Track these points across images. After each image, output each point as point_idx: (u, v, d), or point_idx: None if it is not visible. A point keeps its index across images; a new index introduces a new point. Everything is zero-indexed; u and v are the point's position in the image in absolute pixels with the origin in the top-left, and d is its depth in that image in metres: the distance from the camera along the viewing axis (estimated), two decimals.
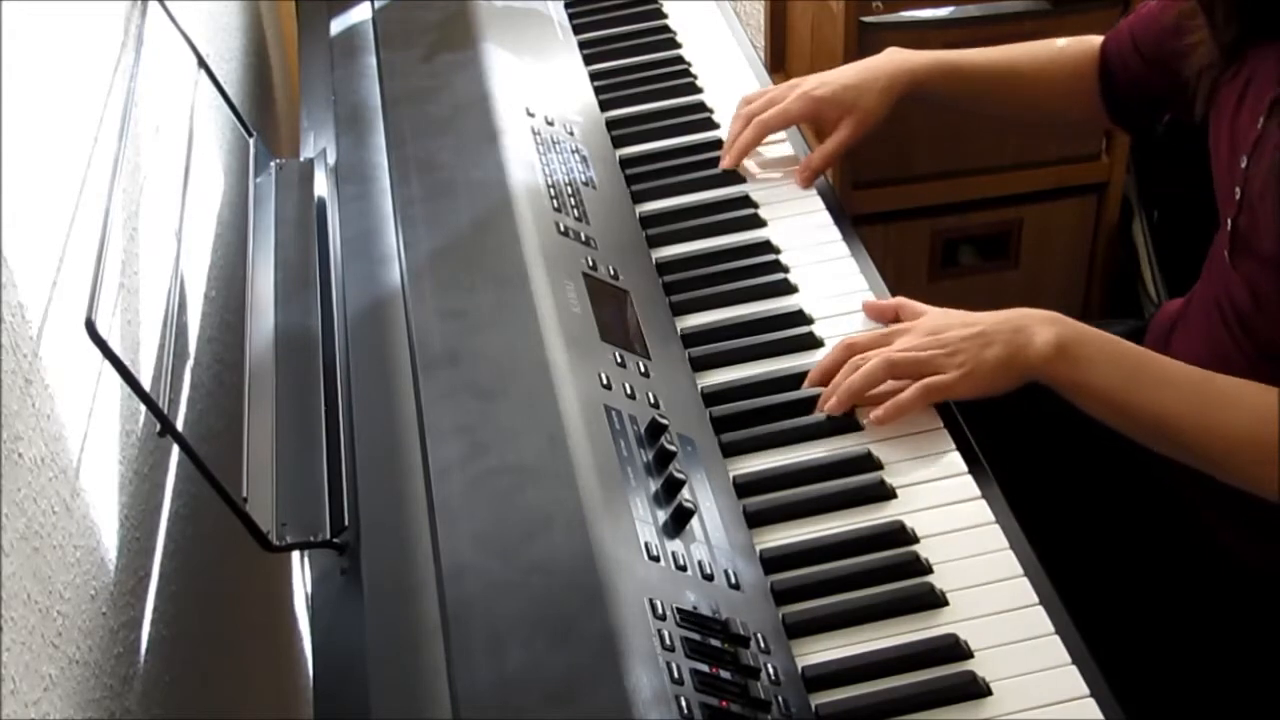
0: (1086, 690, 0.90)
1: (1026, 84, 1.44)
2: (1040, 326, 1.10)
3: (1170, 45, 1.26)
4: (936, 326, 1.13)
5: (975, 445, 1.09)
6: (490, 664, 0.83)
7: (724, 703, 0.85)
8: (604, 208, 1.32)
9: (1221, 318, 1.21)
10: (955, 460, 1.07)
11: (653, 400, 1.08)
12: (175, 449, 1.17)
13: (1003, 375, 1.10)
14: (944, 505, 1.04)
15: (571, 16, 1.68)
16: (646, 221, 1.35)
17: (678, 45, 1.64)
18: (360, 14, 1.60)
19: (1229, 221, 1.18)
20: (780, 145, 1.45)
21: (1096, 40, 1.41)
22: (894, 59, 1.41)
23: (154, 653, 1.03)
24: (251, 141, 1.39)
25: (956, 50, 1.43)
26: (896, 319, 1.19)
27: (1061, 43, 1.44)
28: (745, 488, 1.06)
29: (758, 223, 1.35)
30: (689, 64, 1.60)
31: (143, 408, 1.07)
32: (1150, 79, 1.33)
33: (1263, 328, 1.16)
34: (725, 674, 0.87)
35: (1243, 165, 1.15)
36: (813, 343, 1.20)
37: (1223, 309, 1.21)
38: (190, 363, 1.25)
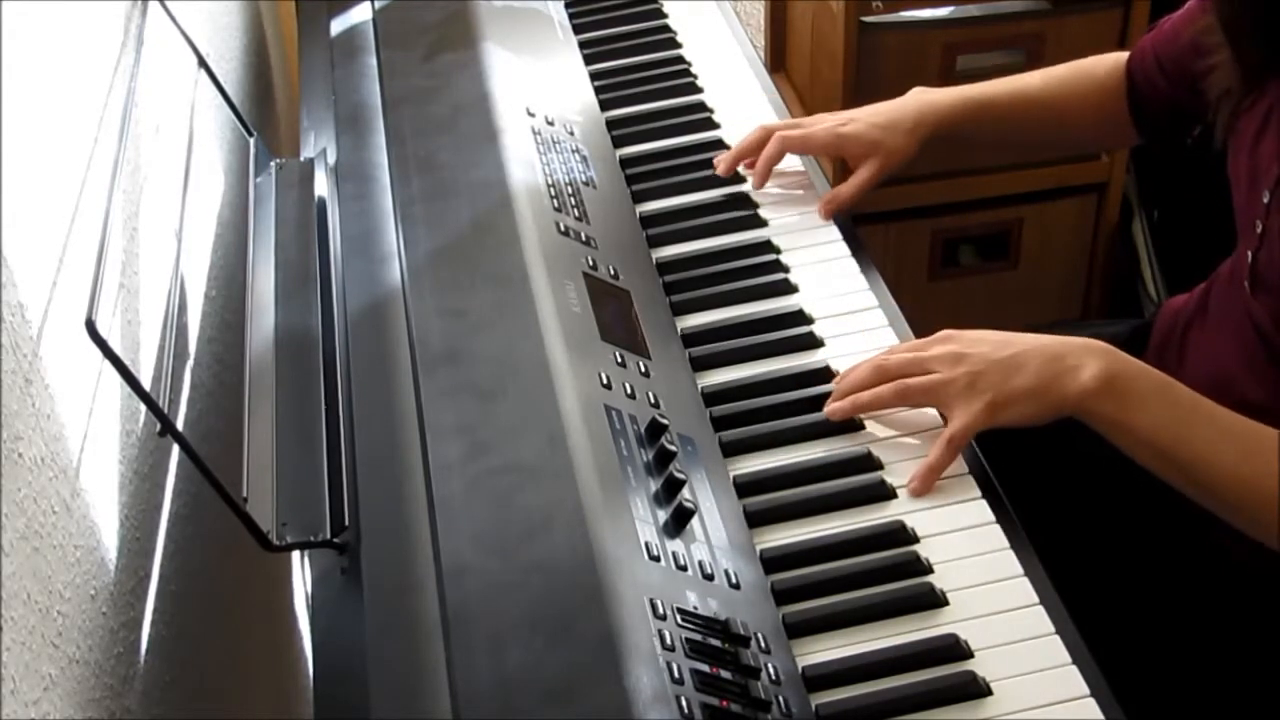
0: (1087, 690, 0.90)
1: (1055, 111, 1.40)
2: (1087, 357, 1.03)
3: (1192, 62, 1.24)
4: (973, 340, 1.08)
5: (977, 445, 1.09)
6: (490, 663, 0.83)
7: (724, 702, 0.85)
8: (604, 208, 1.32)
9: (1241, 332, 1.20)
10: (955, 460, 1.07)
11: (653, 400, 1.08)
12: (175, 449, 1.17)
13: (1028, 408, 1.04)
14: (944, 505, 1.04)
15: (571, 16, 1.68)
16: (646, 221, 1.35)
17: (678, 45, 1.64)
18: (360, 14, 1.60)
19: (1249, 254, 1.16)
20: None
21: (1119, 58, 1.38)
22: (921, 99, 1.38)
23: (154, 653, 1.03)
24: (251, 141, 1.39)
25: (978, 84, 1.40)
26: None
27: (1083, 64, 1.41)
28: (745, 488, 1.06)
29: (758, 223, 1.35)
30: (689, 64, 1.60)
31: (143, 408, 1.07)
32: (1177, 96, 1.30)
33: None
34: (725, 674, 0.87)
35: (1265, 200, 1.13)
36: (813, 343, 1.20)
37: (1241, 325, 1.19)
38: (190, 363, 1.25)
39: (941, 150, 1.40)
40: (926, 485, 1.04)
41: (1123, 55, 1.39)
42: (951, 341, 1.09)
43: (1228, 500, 1.04)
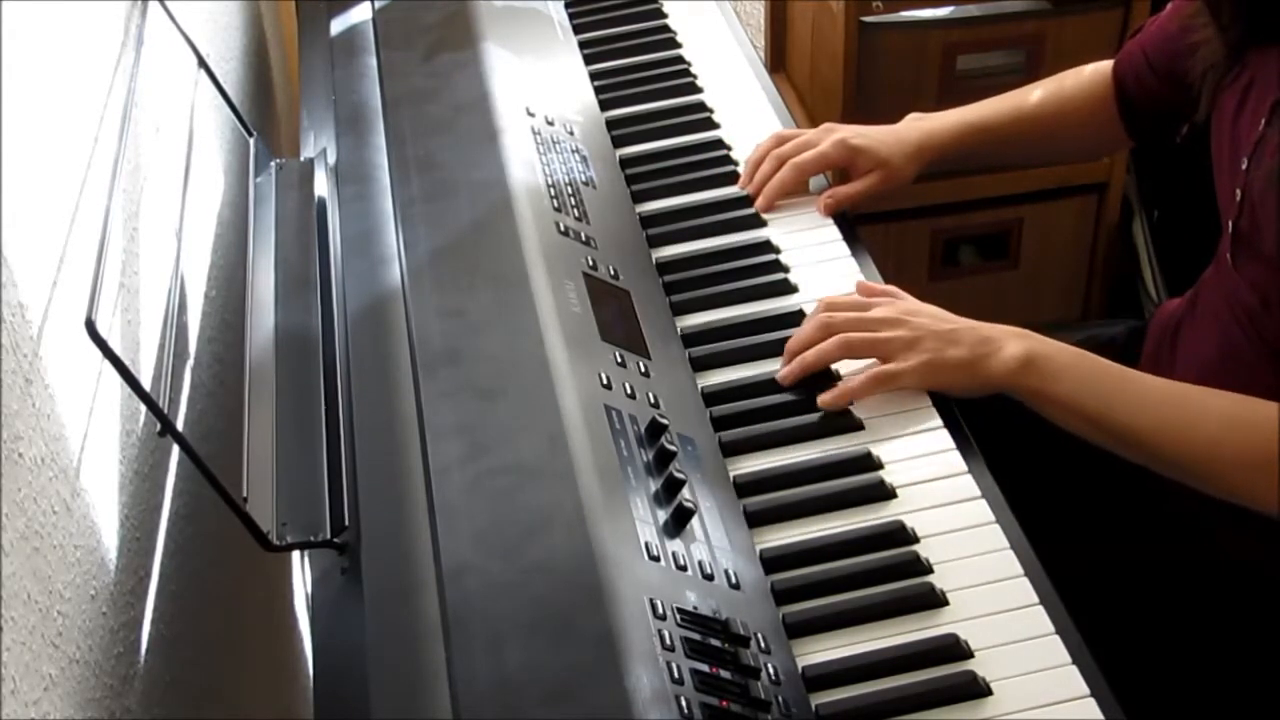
0: (1087, 690, 0.90)
1: (1049, 125, 1.43)
2: (1009, 340, 1.12)
3: (1179, 54, 1.26)
4: (911, 310, 1.15)
5: (976, 446, 1.09)
6: (490, 664, 0.83)
7: (724, 702, 0.85)
8: (604, 208, 1.32)
9: (1232, 316, 1.21)
10: (955, 460, 1.07)
11: (653, 400, 1.08)
12: (175, 449, 1.17)
13: (959, 377, 1.12)
14: (944, 505, 1.04)
15: (571, 16, 1.68)
16: (646, 221, 1.35)
17: (678, 45, 1.64)
18: (360, 14, 1.60)
19: (1230, 224, 1.18)
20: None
21: (1106, 65, 1.41)
22: (921, 128, 1.41)
23: (154, 653, 1.03)
24: (251, 141, 1.39)
25: (972, 106, 1.43)
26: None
27: (1072, 76, 1.44)
28: (745, 487, 1.06)
29: (758, 223, 1.35)
30: (689, 64, 1.60)
31: (143, 408, 1.07)
32: (1165, 93, 1.33)
33: (1271, 327, 1.16)
34: (725, 674, 0.87)
35: (1243, 167, 1.15)
36: None
37: (1231, 309, 1.21)
38: (190, 363, 1.25)
39: (938, 171, 1.42)
40: (833, 401, 1.11)
41: (1107, 63, 1.41)
42: (894, 306, 1.16)
43: (1159, 456, 1.10)
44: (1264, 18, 1.15)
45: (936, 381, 1.12)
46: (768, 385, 1.15)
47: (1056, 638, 0.93)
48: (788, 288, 1.26)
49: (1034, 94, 1.43)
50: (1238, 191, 1.16)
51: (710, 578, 0.95)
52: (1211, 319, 1.26)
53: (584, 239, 1.24)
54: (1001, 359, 1.11)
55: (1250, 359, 1.19)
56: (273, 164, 1.37)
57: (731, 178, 1.41)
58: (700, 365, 1.18)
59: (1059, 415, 1.12)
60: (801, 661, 0.93)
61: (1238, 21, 1.16)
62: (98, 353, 0.85)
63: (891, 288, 1.21)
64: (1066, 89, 1.43)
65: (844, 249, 1.31)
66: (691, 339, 1.21)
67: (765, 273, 1.28)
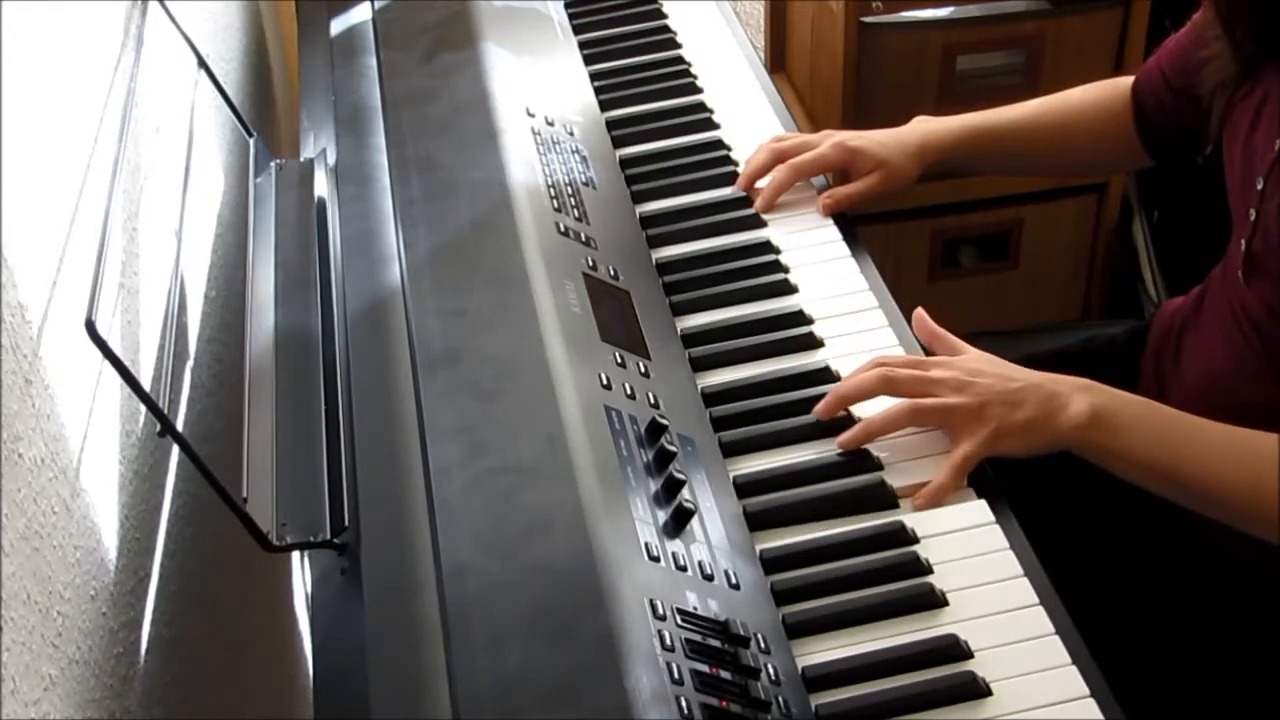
0: (1086, 690, 0.90)
1: (1060, 136, 1.41)
2: (1075, 394, 1.07)
3: (1196, 68, 1.25)
4: (973, 370, 1.10)
5: None
6: (490, 664, 0.83)
7: (724, 703, 0.85)
8: (604, 208, 1.32)
9: (1238, 325, 1.20)
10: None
11: (653, 400, 1.08)
12: (175, 449, 1.17)
13: (1028, 438, 1.07)
14: (944, 506, 1.04)
15: (571, 16, 1.68)
16: (646, 221, 1.35)
17: (678, 45, 1.64)
18: (360, 14, 1.60)
19: (1243, 242, 1.17)
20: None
21: (1125, 82, 1.39)
22: (926, 127, 1.40)
23: (154, 653, 1.03)
24: (251, 141, 1.40)
25: (983, 113, 1.41)
26: (929, 344, 1.16)
27: (1087, 89, 1.42)
28: (745, 488, 1.06)
29: (758, 223, 1.35)
30: (689, 64, 1.60)
31: (143, 408, 1.07)
32: (1184, 111, 1.31)
33: (1278, 338, 1.16)
34: (725, 674, 0.87)
35: (1259, 187, 1.14)
36: (813, 343, 1.20)
37: (1239, 318, 1.20)
38: (190, 363, 1.25)
39: (943, 173, 1.41)
40: (930, 503, 1.05)
41: (1126, 79, 1.40)
42: (952, 367, 1.11)
43: (1229, 506, 1.06)
44: (1278, 35, 1.13)
45: (1002, 448, 1.06)
46: (768, 385, 1.15)
47: (1056, 638, 0.93)
48: (788, 288, 1.26)
49: (1045, 104, 1.42)
50: (1252, 211, 1.15)
51: (710, 578, 0.95)
52: (1217, 324, 1.25)
53: (584, 239, 1.24)
54: (1069, 415, 1.06)
55: (1254, 366, 1.18)
56: (273, 164, 1.37)
57: (731, 178, 1.41)
58: (700, 365, 1.18)
59: (1126, 470, 1.07)
60: (801, 662, 0.93)
61: (1251, 38, 1.14)
62: (98, 353, 0.85)
63: (946, 335, 1.16)
64: (1078, 102, 1.41)
65: (844, 249, 1.31)
66: (691, 339, 1.21)
67: (765, 273, 1.28)
